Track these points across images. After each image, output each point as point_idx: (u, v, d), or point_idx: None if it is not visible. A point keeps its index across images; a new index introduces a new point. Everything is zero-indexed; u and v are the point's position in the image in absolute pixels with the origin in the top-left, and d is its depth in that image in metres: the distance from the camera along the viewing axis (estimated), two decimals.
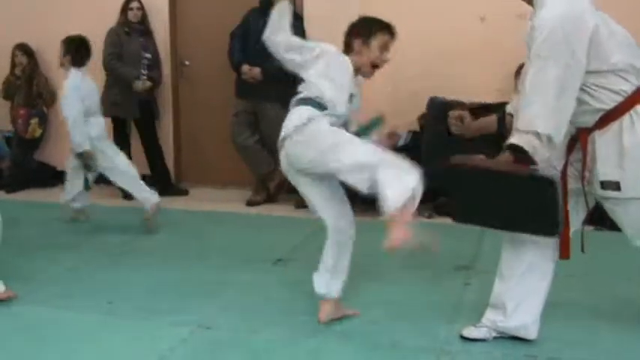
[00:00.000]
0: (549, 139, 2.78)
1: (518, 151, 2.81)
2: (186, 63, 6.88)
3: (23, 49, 6.94)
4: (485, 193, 2.92)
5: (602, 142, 2.90)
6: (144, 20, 6.52)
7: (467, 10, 5.86)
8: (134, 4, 6.45)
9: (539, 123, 2.76)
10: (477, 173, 2.93)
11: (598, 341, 3.29)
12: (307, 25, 6.19)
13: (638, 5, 5.16)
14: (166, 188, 6.61)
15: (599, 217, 3.36)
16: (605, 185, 2.92)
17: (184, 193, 6.71)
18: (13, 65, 6.97)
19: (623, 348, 3.23)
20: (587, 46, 2.76)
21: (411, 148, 5.86)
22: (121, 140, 6.42)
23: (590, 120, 2.91)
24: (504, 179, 2.86)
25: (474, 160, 2.96)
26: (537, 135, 2.77)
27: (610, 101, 2.86)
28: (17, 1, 7.06)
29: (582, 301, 3.74)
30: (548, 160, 2.89)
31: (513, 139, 2.84)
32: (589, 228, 3.16)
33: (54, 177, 7.10)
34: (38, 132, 6.95)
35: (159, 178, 6.62)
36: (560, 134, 2.82)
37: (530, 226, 2.93)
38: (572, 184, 3.02)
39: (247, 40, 6.08)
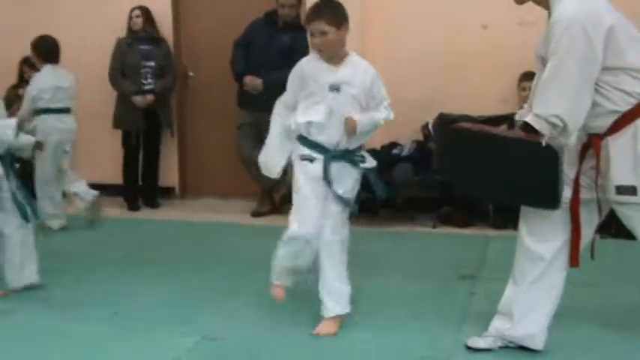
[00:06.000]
0: (565, 126, 2.80)
1: (531, 130, 2.85)
2: (191, 74, 6.90)
3: (30, 63, 6.93)
4: (487, 160, 2.95)
5: (616, 146, 2.90)
6: (147, 27, 6.49)
7: (469, 18, 5.87)
8: (134, 13, 6.43)
9: (557, 108, 2.79)
10: (484, 137, 2.96)
11: (605, 351, 3.27)
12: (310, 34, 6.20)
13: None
14: (151, 200, 6.61)
15: (603, 225, 3.35)
16: (621, 190, 2.91)
17: (156, 206, 6.67)
18: (21, 79, 6.96)
19: (631, 357, 3.22)
20: (603, 42, 2.79)
21: (415, 158, 5.87)
22: (130, 153, 6.45)
23: (602, 124, 2.91)
24: (511, 145, 2.91)
25: (482, 126, 2.99)
26: (554, 120, 2.79)
27: (623, 103, 2.87)
28: (23, 14, 7.09)
29: (589, 310, 3.72)
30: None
31: (529, 119, 2.86)
32: (596, 236, 3.16)
33: None
34: None
35: (146, 190, 6.62)
36: (576, 125, 2.85)
37: (530, 197, 2.96)
38: (585, 194, 3.02)
39: (250, 51, 6.10)
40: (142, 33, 6.43)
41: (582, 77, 2.79)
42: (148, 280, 4.36)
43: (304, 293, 4.04)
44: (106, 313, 3.85)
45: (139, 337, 3.55)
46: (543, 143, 2.80)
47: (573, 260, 3.08)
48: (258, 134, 6.25)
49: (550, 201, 2.91)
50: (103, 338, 3.53)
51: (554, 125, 2.81)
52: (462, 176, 3.13)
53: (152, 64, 6.41)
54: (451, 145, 3.13)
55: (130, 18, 6.44)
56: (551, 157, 2.81)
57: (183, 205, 6.75)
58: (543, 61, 3.02)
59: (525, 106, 3.25)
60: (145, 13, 6.45)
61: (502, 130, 3.05)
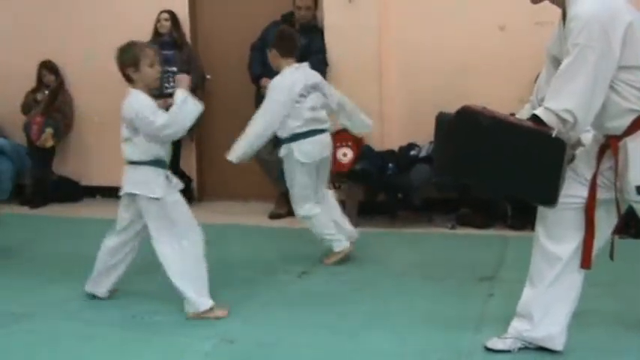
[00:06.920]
0: (575, 121, 2.78)
1: (540, 123, 2.82)
2: (208, 77, 6.92)
3: (49, 66, 6.98)
4: (492, 146, 2.89)
5: (635, 147, 2.89)
6: (172, 32, 6.51)
7: (486, 19, 5.85)
8: (162, 16, 6.46)
9: (570, 104, 2.77)
10: (492, 122, 2.89)
11: (625, 352, 3.24)
12: (327, 36, 6.22)
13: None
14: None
15: (623, 225, 3.32)
16: None
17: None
18: (39, 83, 7.02)
19: None
20: (621, 39, 2.78)
21: (433, 159, 5.85)
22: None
23: (619, 125, 2.89)
24: (519, 133, 2.85)
25: (492, 110, 2.95)
26: (565, 114, 2.77)
27: (638, 101, 2.85)
28: (40, 18, 7.14)
29: (608, 311, 3.69)
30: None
31: (539, 112, 2.84)
32: (615, 237, 3.13)
33: (75, 192, 7.17)
34: (50, 142, 6.89)
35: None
36: (586, 122, 2.83)
37: (530, 189, 2.90)
38: (603, 194, 3.00)
39: (267, 53, 6.11)
40: (168, 37, 6.46)
41: (598, 74, 2.78)
42: (165, 283, 4.37)
43: (322, 295, 4.05)
44: (124, 316, 3.87)
45: (157, 341, 3.56)
46: (553, 135, 2.78)
47: (585, 262, 3.05)
48: (275, 136, 6.28)
49: (548, 197, 2.87)
50: (121, 341, 3.55)
51: (564, 121, 2.79)
52: (462, 162, 3.01)
53: (174, 69, 6.41)
54: (458, 129, 3.04)
55: (158, 21, 6.46)
56: (558, 150, 2.79)
57: (200, 207, 6.75)
58: (556, 60, 3.01)
59: (527, 105, 3.24)
60: (173, 17, 6.49)
61: (512, 117, 2.99)
